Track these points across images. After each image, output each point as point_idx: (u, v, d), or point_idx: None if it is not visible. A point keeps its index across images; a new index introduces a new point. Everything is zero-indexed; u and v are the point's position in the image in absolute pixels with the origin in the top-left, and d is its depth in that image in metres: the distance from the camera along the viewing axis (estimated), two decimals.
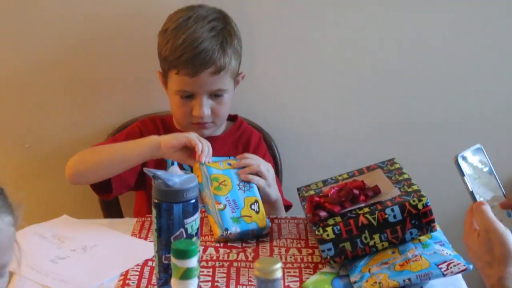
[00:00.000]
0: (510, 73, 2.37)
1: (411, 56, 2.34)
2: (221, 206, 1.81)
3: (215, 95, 2.07)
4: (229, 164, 1.91)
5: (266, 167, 1.95)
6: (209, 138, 2.12)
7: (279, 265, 1.32)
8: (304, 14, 2.29)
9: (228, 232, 1.79)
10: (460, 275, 1.63)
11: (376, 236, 1.67)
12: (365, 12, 2.30)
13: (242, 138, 2.22)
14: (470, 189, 1.49)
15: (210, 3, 2.16)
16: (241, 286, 1.63)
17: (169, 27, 2.08)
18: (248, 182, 1.89)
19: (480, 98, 2.39)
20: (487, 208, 1.46)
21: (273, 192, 1.97)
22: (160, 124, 2.21)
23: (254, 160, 1.94)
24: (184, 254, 1.36)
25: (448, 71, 2.36)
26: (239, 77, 2.16)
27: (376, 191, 1.75)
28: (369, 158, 2.05)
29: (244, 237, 1.82)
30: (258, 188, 1.90)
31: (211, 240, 1.82)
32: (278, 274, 1.32)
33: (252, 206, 1.84)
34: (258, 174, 1.92)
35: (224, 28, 2.09)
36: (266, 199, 1.97)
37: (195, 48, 2.02)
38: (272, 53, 2.33)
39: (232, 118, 2.24)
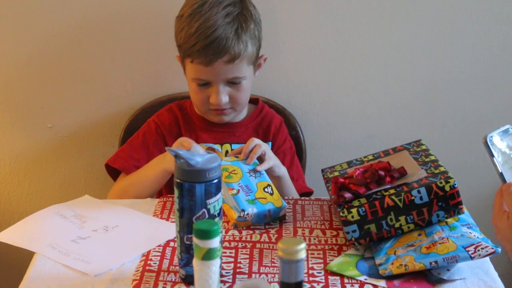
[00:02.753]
0: None
1: (437, 36, 2.31)
2: (235, 191, 1.79)
3: (232, 82, 2.04)
4: (236, 157, 1.90)
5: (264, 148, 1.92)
6: (230, 124, 2.11)
7: (303, 245, 1.29)
8: None
9: (245, 212, 1.76)
10: (487, 258, 1.61)
11: (402, 218, 1.64)
12: None
13: (263, 124, 2.19)
14: (500, 170, 1.46)
15: None
16: (264, 268, 1.61)
17: (184, 13, 2.04)
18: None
19: (508, 79, 2.36)
20: None
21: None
22: (178, 112, 2.18)
23: (254, 142, 1.91)
24: (206, 235, 1.34)
25: (475, 52, 2.33)
26: (260, 60, 2.11)
27: (402, 172, 1.72)
28: (395, 139, 2.03)
29: (261, 220, 1.79)
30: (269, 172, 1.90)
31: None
32: (302, 254, 1.29)
33: (266, 189, 1.82)
34: (262, 157, 1.91)
35: (240, 13, 2.03)
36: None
37: (208, 37, 1.97)
38: (295, 34, 2.30)
39: (253, 101, 2.21)
